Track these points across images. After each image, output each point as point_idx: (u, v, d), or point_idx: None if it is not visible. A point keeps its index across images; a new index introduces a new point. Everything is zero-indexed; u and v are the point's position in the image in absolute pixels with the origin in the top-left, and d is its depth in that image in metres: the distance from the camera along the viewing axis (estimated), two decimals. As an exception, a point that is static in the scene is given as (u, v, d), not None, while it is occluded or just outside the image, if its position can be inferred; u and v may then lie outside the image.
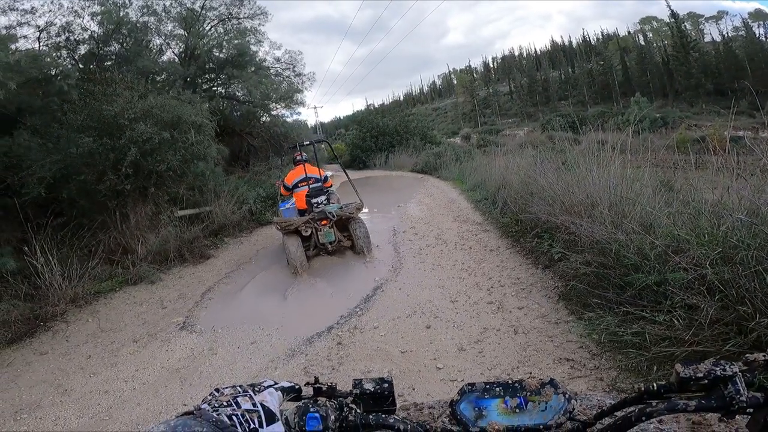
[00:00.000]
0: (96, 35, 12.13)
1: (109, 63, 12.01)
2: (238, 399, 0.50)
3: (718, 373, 0.50)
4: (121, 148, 6.82)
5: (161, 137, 6.98)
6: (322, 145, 11.75)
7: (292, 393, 0.58)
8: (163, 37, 13.84)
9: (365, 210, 6.68)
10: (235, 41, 14.01)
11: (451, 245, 5.85)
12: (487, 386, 0.56)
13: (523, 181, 5.41)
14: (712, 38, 44.47)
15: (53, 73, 8.93)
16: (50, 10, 10.89)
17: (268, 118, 15.71)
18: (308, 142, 7.14)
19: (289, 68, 16.17)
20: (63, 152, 6.84)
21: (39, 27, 10.77)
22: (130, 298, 5.71)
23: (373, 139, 21.57)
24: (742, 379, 0.50)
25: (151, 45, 13.14)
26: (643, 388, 0.53)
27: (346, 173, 6.73)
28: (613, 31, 51.56)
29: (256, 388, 0.54)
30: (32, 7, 10.80)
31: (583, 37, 54.62)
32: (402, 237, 6.71)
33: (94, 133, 6.79)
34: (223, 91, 15.35)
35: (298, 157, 6.29)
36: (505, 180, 7.18)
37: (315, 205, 5.64)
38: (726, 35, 43.54)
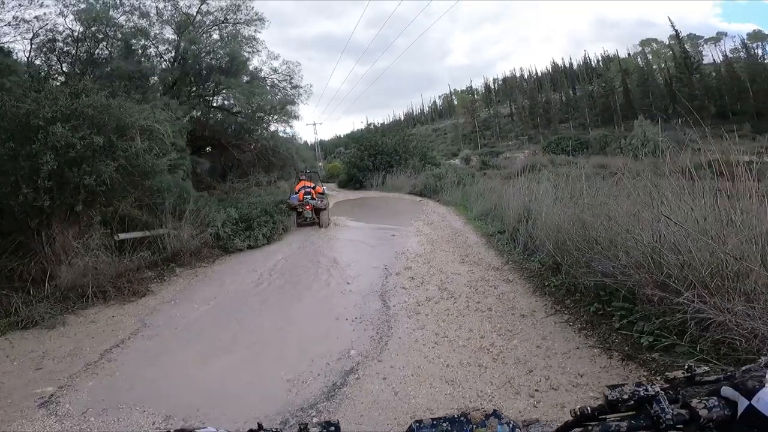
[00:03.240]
0: (77, 34, 10.75)
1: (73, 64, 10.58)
2: None
3: (642, 393, 0.51)
4: (35, 154, 5.15)
5: (90, 143, 5.31)
6: (317, 170, 15.81)
7: None
8: (153, 41, 12.42)
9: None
10: (227, 48, 12.58)
11: (461, 302, 4.10)
12: (434, 422, 0.55)
13: (574, 219, 3.66)
14: (713, 59, 43.59)
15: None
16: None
17: (261, 132, 14.17)
18: (309, 170, 11.71)
19: (286, 80, 14.75)
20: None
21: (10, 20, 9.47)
22: (3, 349, 3.95)
23: (371, 158, 20.17)
24: (665, 398, 0.51)
25: (135, 48, 11.69)
26: (578, 412, 0.52)
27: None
28: (613, 53, 50.71)
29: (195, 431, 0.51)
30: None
31: (584, 59, 53.79)
32: (394, 281, 4.98)
33: (2, 135, 5.11)
34: (212, 100, 13.89)
35: (302, 176, 10.79)
36: (528, 211, 5.48)
37: (305, 199, 9.36)
38: (726, 56, 42.63)
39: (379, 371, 3.05)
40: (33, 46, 10.48)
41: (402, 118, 69.91)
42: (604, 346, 2.92)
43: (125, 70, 10.33)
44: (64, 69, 11.06)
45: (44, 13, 9.95)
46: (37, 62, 10.64)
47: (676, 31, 42.61)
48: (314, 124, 35.11)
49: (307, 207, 9.17)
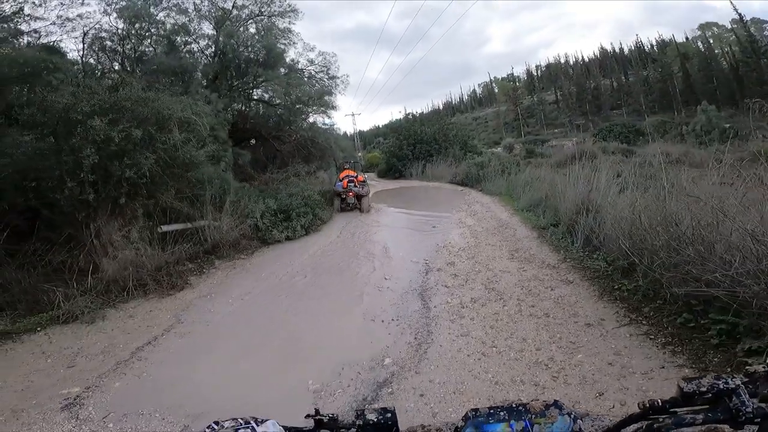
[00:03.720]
0: (121, 32, 11.08)
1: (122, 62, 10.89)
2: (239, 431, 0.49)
3: (721, 386, 0.49)
4: (76, 148, 5.15)
5: (128, 136, 5.25)
6: (357, 160, 16.08)
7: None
8: (193, 36, 12.63)
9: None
10: (263, 41, 12.56)
11: (511, 305, 3.61)
12: (492, 411, 0.53)
13: (658, 212, 2.99)
14: None
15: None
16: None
17: (300, 123, 14.13)
18: (352, 161, 12.97)
19: (323, 71, 14.61)
20: (8, 154, 5.26)
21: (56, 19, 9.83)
22: (41, 345, 3.94)
23: (410, 147, 19.72)
24: (746, 391, 0.49)
25: (178, 44, 11.94)
26: (647, 404, 0.50)
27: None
28: (668, 38, 46.86)
29: (258, 420, 0.52)
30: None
31: (637, 43, 49.99)
32: (435, 278, 4.55)
33: (44, 131, 5.14)
34: (252, 92, 13.98)
35: (346, 165, 11.69)
36: (589, 202, 4.83)
37: (349, 186, 10.01)
38: None
39: (416, 386, 2.66)
40: (84, 45, 10.87)
41: (441, 108, 68.27)
42: (697, 365, 2.36)
43: (168, 65, 10.49)
44: (114, 67, 11.42)
45: (87, 12, 10.20)
46: (91, 61, 11.05)
47: (740, 14, 38.56)
48: (353, 114, 34.69)
49: (350, 194, 9.96)
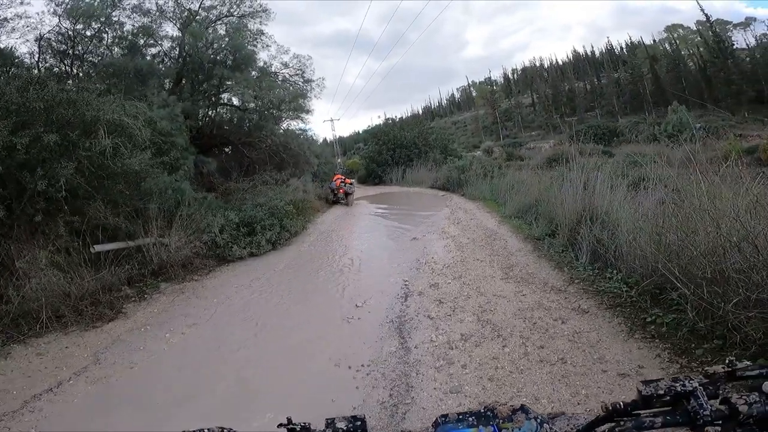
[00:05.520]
0: (70, 33, 9.98)
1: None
2: None
3: (678, 388, 0.48)
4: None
5: (36, 142, 4.22)
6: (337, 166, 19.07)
7: None
8: (155, 38, 11.61)
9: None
10: (231, 41, 11.64)
11: (513, 344, 2.74)
12: (460, 416, 0.53)
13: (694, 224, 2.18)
14: (745, 45, 40.33)
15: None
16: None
17: (274, 129, 13.22)
18: (344, 169, 19.72)
19: (297, 74, 13.86)
20: None
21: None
22: None
23: (390, 152, 19.02)
24: (704, 393, 0.47)
25: (138, 46, 10.95)
26: (610, 407, 0.49)
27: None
28: (637, 40, 47.75)
29: (225, 430, 0.51)
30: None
31: (607, 46, 50.69)
32: (416, 306, 3.68)
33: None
34: (219, 96, 12.99)
35: (337, 171, 15.77)
36: (592, 207, 4.04)
37: (340, 185, 12.69)
38: (758, 41, 39.43)
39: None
40: (40, 48, 9.75)
41: (420, 112, 67.70)
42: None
43: (122, 67, 9.50)
44: (74, 71, 10.32)
45: (25, 11, 9.12)
46: (47, 65, 9.94)
47: (707, 15, 39.53)
48: (331, 120, 33.71)
49: (341, 191, 12.68)
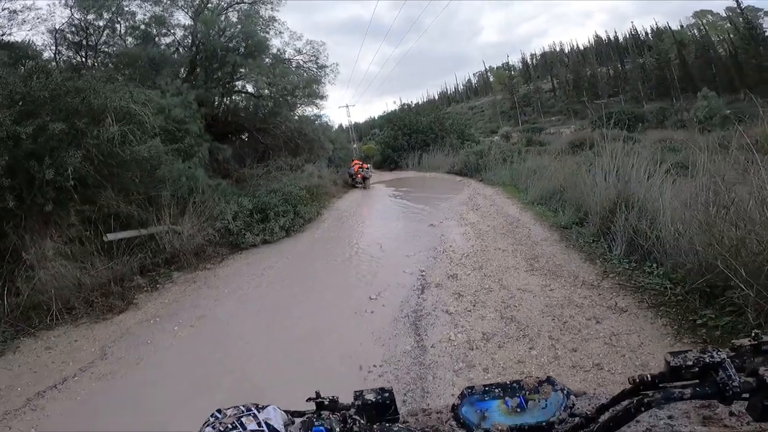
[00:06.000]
0: (82, 24, 9.94)
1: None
2: (242, 419, 0.47)
3: (707, 360, 0.46)
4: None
5: (42, 131, 4.08)
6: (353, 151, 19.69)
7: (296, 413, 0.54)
8: (168, 27, 11.49)
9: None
10: (243, 28, 11.43)
11: (542, 347, 2.45)
12: (486, 388, 0.52)
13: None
14: None
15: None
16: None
17: (288, 115, 13.04)
18: (362, 155, 19.81)
19: (311, 60, 13.58)
20: None
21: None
22: None
23: (406, 137, 18.63)
24: (732, 365, 0.45)
25: (151, 36, 10.88)
26: (637, 380, 0.48)
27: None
28: (663, 26, 45.60)
29: (259, 407, 0.50)
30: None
31: (631, 31, 48.48)
32: (434, 299, 3.41)
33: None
34: (233, 83, 12.83)
35: (355, 157, 16.76)
36: (628, 194, 3.66)
37: (359, 170, 13.47)
38: None
39: None
40: (56, 40, 9.74)
41: (436, 98, 66.40)
42: None
43: (139, 56, 9.43)
44: (89, 62, 10.31)
45: (33, 2, 9.09)
46: (63, 57, 9.94)
47: (738, 1, 37.33)
48: (347, 106, 33.11)
49: (359, 175, 13.37)
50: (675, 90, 38.53)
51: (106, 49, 10.59)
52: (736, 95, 34.75)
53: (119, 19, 10.35)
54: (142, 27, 10.77)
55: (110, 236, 5.31)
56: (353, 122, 36.59)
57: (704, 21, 43.82)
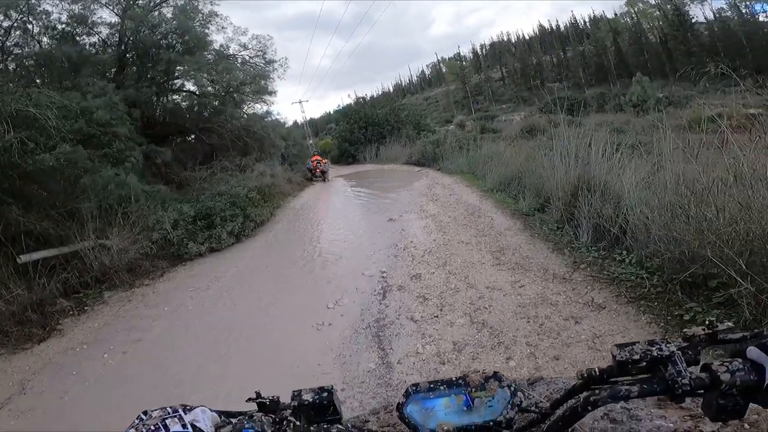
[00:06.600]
0: None
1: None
2: (167, 421, 0.43)
3: (655, 353, 0.42)
4: None
5: None
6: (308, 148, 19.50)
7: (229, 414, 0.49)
8: (89, 26, 10.30)
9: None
10: (178, 24, 10.45)
11: (519, 355, 2.17)
12: (431, 385, 0.50)
13: None
14: (705, 18, 41.02)
15: None
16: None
17: (234, 113, 12.20)
18: (319, 151, 18.50)
19: (258, 55, 12.79)
20: None
21: None
22: None
23: (362, 130, 18.25)
24: (682, 359, 0.41)
25: (70, 35, 9.70)
26: (586, 375, 0.45)
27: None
28: (600, 14, 47.97)
29: (186, 408, 0.46)
30: None
31: (571, 20, 50.58)
32: (397, 304, 3.07)
33: None
34: (168, 82, 11.79)
35: (314, 152, 16.70)
36: (589, 177, 3.49)
37: (317, 165, 14.05)
38: (716, 15, 40.25)
39: None
40: None
41: (391, 90, 66.26)
42: None
43: (55, 57, 8.38)
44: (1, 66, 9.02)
45: None
46: None
47: None
48: (300, 102, 32.36)
49: (318, 170, 13.85)
50: (612, 76, 40.60)
51: (18, 51, 9.34)
52: (667, 80, 37.22)
53: (31, 19, 9.16)
54: (59, 27, 9.62)
55: (24, 257, 4.54)
56: (308, 118, 35.54)
57: (636, 9, 46.49)
